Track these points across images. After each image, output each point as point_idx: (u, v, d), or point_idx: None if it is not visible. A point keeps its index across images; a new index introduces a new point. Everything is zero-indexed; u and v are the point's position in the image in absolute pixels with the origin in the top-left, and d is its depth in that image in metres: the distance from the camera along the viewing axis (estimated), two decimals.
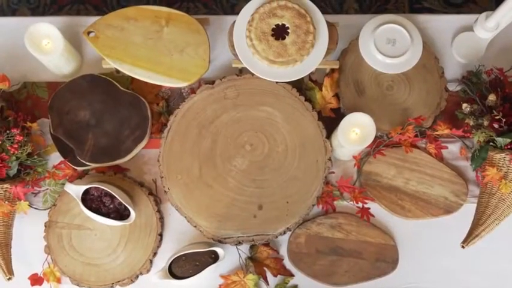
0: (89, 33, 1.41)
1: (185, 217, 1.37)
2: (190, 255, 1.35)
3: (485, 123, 1.35)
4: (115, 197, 1.34)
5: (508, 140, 1.33)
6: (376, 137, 1.35)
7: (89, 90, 1.42)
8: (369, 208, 1.42)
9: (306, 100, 1.41)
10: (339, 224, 1.41)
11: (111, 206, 1.36)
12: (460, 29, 1.52)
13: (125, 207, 1.36)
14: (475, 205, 1.37)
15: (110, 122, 1.40)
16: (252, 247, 1.41)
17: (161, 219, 1.41)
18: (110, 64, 1.39)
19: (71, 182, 1.40)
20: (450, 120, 1.45)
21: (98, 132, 1.40)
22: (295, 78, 1.37)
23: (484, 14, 1.46)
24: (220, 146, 1.39)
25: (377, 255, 1.40)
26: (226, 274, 1.39)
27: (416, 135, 1.43)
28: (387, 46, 1.42)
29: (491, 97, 1.36)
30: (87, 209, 1.33)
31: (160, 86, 1.48)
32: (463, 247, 1.31)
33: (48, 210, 1.41)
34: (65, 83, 1.43)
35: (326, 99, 1.45)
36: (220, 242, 1.37)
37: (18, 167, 1.34)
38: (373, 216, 1.43)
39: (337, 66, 1.42)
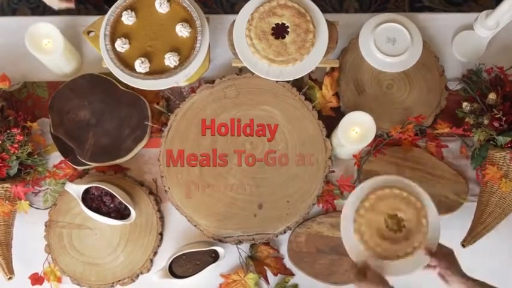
0: (89, 32, 1.41)
1: (185, 216, 1.37)
2: (191, 255, 1.35)
3: (486, 121, 1.35)
4: (115, 196, 1.34)
5: (508, 139, 1.33)
6: (376, 135, 1.35)
7: (89, 89, 1.42)
8: None
9: (306, 99, 1.41)
10: (339, 223, 1.40)
11: (112, 205, 1.36)
12: (460, 28, 1.52)
13: (125, 206, 1.36)
14: (476, 204, 1.37)
15: (110, 122, 1.40)
16: (252, 246, 1.41)
17: (161, 218, 1.41)
18: None
19: (71, 181, 1.40)
20: (450, 119, 1.45)
21: (98, 131, 1.40)
22: (295, 77, 1.37)
23: (484, 13, 1.45)
24: (221, 145, 1.39)
25: None
26: (227, 273, 1.39)
27: (416, 134, 1.43)
28: (387, 45, 1.42)
29: (492, 96, 1.36)
30: (87, 209, 1.33)
31: None
32: (463, 246, 1.31)
33: (49, 209, 1.41)
34: (65, 82, 1.43)
35: (326, 98, 1.44)
36: (221, 241, 1.37)
37: (18, 166, 1.34)
38: None
39: (337, 65, 1.42)
